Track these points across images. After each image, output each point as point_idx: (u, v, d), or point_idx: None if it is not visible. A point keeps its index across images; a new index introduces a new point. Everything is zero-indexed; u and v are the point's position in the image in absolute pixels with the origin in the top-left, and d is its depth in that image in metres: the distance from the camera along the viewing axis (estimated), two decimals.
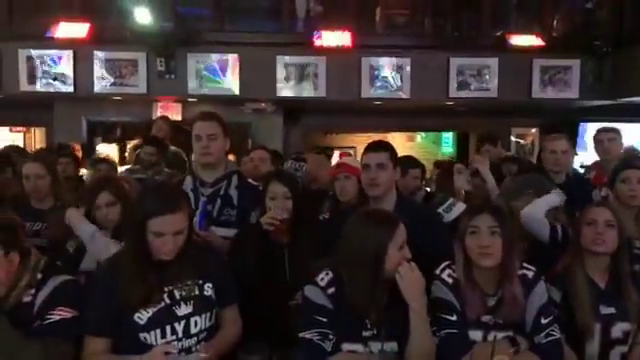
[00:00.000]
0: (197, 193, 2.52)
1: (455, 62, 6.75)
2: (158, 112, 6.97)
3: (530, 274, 1.98)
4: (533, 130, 8.18)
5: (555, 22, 7.10)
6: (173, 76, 6.57)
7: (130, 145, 5.64)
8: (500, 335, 1.89)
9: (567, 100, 6.93)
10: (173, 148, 5.19)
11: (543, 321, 1.91)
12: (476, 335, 1.93)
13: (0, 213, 2.03)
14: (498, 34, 6.85)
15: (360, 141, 9.14)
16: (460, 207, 2.81)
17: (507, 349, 1.85)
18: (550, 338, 1.90)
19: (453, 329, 1.91)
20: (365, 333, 1.85)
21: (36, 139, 9.21)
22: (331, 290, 1.84)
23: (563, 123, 6.96)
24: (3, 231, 1.71)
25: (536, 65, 6.74)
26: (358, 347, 1.85)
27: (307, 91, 6.70)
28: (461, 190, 3.39)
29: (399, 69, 6.70)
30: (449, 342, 1.89)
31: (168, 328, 1.79)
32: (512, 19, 7.24)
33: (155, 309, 1.78)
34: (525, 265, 2.01)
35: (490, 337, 1.90)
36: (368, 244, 1.81)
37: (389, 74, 6.70)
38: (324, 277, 1.86)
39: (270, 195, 2.32)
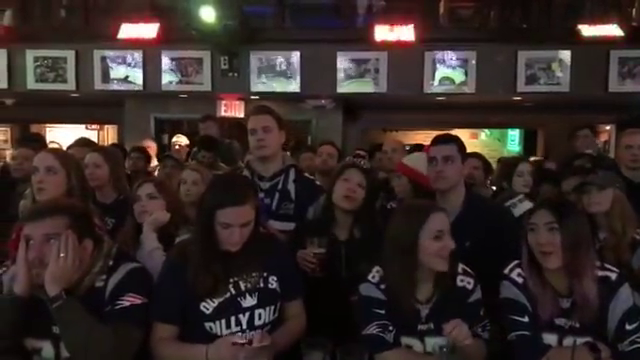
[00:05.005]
0: (254, 188, 2.53)
1: (523, 55, 6.48)
2: (222, 109, 7.14)
3: (613, 276, 1.84)
4: (608, 127, 7.70)
5: (635, 10, 6.64)
6: (236, 74, 6.71)
7: (177, 146, 5.56)
8: (579, 340, 1.76)
9: None
10: (227, 141, 5.20)
11: (628, 327, 1.78)
12: (550, 339, 1.83)
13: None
14: (571, 24, 6.49)
15: (420, 138, 8.94)
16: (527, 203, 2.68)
17: (586, 356, 1.72)
18: (635, 346, 1.76)
19: (525, 331, 1.82)
20: (420, 327, 1.84)
21: (109, 136, 9.73)
22: (384, 285, 1.87)
23: None
24: (77, 219, 1.77)
25: (614, 57, 6.35)
26: (414, 341, 1.84)
27: (368, 87, 6.65)
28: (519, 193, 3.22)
29: (464, 63, 6.51)
30: (522, 345, 1.80)
31: (233, 319, 1.80)
32: (586, 8, 6.83)
33: (221, 299, 1.80)
34: (607, 266, 1.87)
35: (566, 341, 1.81)
36: (401, 233, 1.83)
37: (453, 68, 6.52)
38: (375, 275, 1.90)
39: (345, 176, 2.28)
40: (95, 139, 8.73)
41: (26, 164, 3.18)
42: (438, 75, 6.55)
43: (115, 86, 6.91)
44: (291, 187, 2.57)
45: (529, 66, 6.49)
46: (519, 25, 6.90)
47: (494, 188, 4.16)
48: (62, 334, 1.70)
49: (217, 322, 1.79)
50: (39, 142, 3.83)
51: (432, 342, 1.82)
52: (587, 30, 6.33)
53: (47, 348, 1.75)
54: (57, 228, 1.71)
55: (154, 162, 5.30)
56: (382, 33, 6.47)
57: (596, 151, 4.58)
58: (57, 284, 1.67)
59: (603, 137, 7.75)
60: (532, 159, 5.19)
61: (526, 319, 1.82)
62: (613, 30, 6.31)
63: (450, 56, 6.52)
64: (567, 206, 1.91)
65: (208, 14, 6.19)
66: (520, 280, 1.88)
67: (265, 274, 1.87)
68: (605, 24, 6.36)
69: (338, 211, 2.28)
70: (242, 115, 7.09)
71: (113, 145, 5.94)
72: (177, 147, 5.49)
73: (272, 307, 1.87)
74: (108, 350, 1.66)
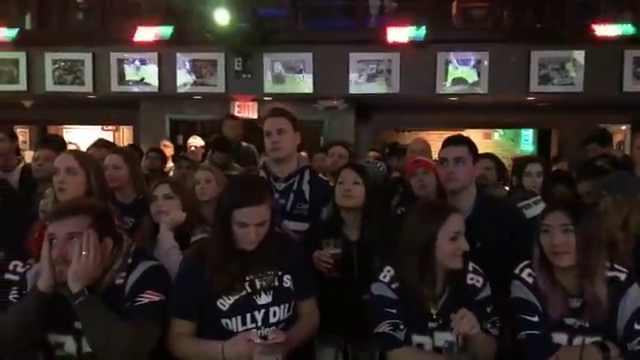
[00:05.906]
0: (270, 188, 2.58)
1: (536, 55, 6.45)
2: (236, 110, 7.21)
3: (622, 276, 1.86)
4: (623, 127, 7.63)
5: None
6: (249, 75, 6.78)
7: (193, 147, 5.61)
8: (588, 340, 1.78)
9: None
10: (244, 144, 5.28)
11: (637, 327, 1.79)
12: (560, 338, 1.84)
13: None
14: (584, 24, 6.44)
15: (433, 139, 8.93)
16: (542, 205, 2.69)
17: (595, 355, 1.74)
18: None
19: (535, 330, 1.84)
20: (431, 324, 1.87)
21: (124, 137, 9.87)
22: (395, 285, 1.89)
23: None
24: (98, 218, 1.83)
25: (628, 56, 6.29)
26: (425, 339, 1.87)
27: (380, 87, 6.67)
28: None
29: (477, 63, 6.50)
30: (532, 343, 1.82)
31: (248, 316, 1.85)
32: (600, 7, 6.77)
33: (237, 297, 1.85)
34: (617, 267, 1.89)
35: (575, 341, 1.82)
36: (418, 233, 1.85)
37: (466, 69, 6.51)
38: (386, 274, 1.93)
39: (340, 179, 2.35)
40: (111, 140, 8.85)
41: (47, 165, 3.25)
42: (451, 76, 6.55)
43: (131, 88, 7.02)
44: (305, 188, 2.61)
45: (542, 66, 6.45)
46: (532, 25, 6.87)
47: (507, 188, 4.17)
48: (84, 329, 1.75)
49: (233, 319, 1.83)
50: (60, 143, 3.91)
51: (441, 336, 1.85)
52: (601, 30, 6.28)
53: (69, 343, 1.81)
54: (79, 227, 1.77)
55: (170, 163, 5.39)
56: (394, 34, 6.49)
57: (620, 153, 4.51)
58: (79, 281, 1.73)
59: (618, 137, 7.67)
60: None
61: (536, 318, 1.84)
62: (627, 29, 6.25)
63: (463, 57, 6.51)
64: (581, 207, 1.92)
65: (222, 17, 6.27)
66: (530, 280, 1.90)
67: (280, 273, 1.92)
68: (619, 23, 6.30)
69: (343, 211, 2.34)
70: (255, 116, 7.16)
71: (130, 146, 6.04)
72: (193, 148, 5.57)
73: (286, 305, 1.91)
74: (127, 345, 1.71)
